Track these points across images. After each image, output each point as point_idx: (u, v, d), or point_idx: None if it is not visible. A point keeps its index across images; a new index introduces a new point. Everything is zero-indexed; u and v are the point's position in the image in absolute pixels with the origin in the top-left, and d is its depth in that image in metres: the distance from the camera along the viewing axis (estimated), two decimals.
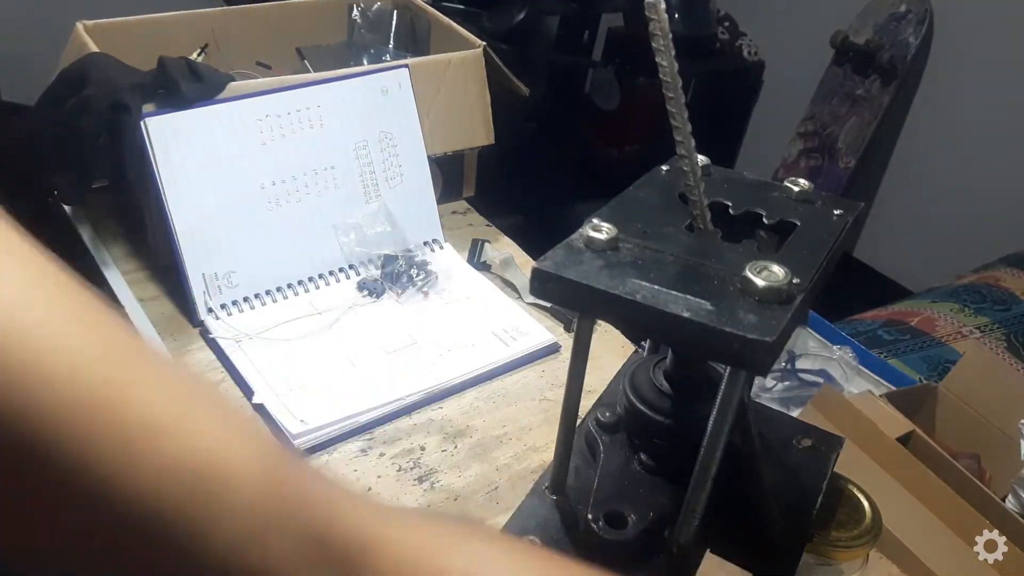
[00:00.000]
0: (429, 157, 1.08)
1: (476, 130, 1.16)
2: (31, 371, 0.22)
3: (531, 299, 1.02)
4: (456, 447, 0.83)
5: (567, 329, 0.99)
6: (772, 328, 0.35)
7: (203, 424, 0.26)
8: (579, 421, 0.49)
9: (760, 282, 0.37)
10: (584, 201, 2.72)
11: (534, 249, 1.05)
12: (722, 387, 0.39)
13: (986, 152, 2.30)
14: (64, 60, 1.03)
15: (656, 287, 0.37)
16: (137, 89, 0.91)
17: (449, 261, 1.07)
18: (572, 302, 0.39)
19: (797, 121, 2.66)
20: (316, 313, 0.96)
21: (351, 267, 1.03)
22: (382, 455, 0.81)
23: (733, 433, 0.41)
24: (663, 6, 0.36)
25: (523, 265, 1.08)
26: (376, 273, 1.02)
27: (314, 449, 0.80)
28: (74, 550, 0.24)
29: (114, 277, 1.01)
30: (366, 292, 1.00)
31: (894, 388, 1.11)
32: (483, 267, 1.08)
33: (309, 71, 1.20)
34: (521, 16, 2.57)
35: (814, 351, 1.16)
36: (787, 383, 1.11)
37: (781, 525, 0.48)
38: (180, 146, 0.90)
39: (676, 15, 2.63)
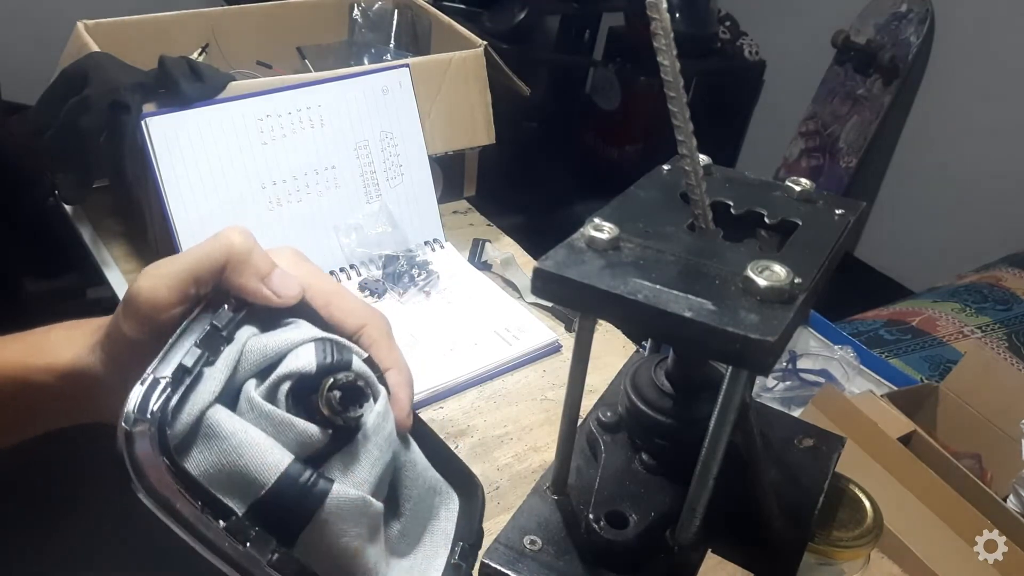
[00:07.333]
0: (430, 157, 1.08)
1: (477, 129, 1.16)
2: None
3: (532, 299, 1.02)
4: (457, 447, 0.83)
5: (568, 329, 0.99)
6: (774, 328, 0.35)
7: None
8: (580, 421, 0.49)
9: (762, 282, 0.37)
10: (585, 200, 2.72)
11: (535, 248, 1.05)
12: (723, 387, 0.39)
13: (987, 151, 2.29)
14: (64, 60, 1.03)
15: (657, 287, 0.37)
16: (138, 89, 0.91)
17: (450, 261, 1.07)
18: (573, 302, 0.39)
19: (798, 120, 2.66)
20: None
21: (352, 267, 1.03)
22: None
23: (734, 433, 0.41)
24: (664, 5, 0.36)
25: (524, 265, 1.08)
26: (377, 273, 1.02)
27: None
28: None
29: (114, 277, 1.01)
30: (368, 292, 1.00)
31: (895, 388, 1.11)
32: (484, 267, 1.08)
33: (310, 70, 1.20)
34: (522, 16, 2.57)
35: (815, 351, 1.16)
36: (788, 383, 1.11)
37: (782, 525, 0.48)
38: (181, 146, 0.90)
39: (677, 14, 2.63)
